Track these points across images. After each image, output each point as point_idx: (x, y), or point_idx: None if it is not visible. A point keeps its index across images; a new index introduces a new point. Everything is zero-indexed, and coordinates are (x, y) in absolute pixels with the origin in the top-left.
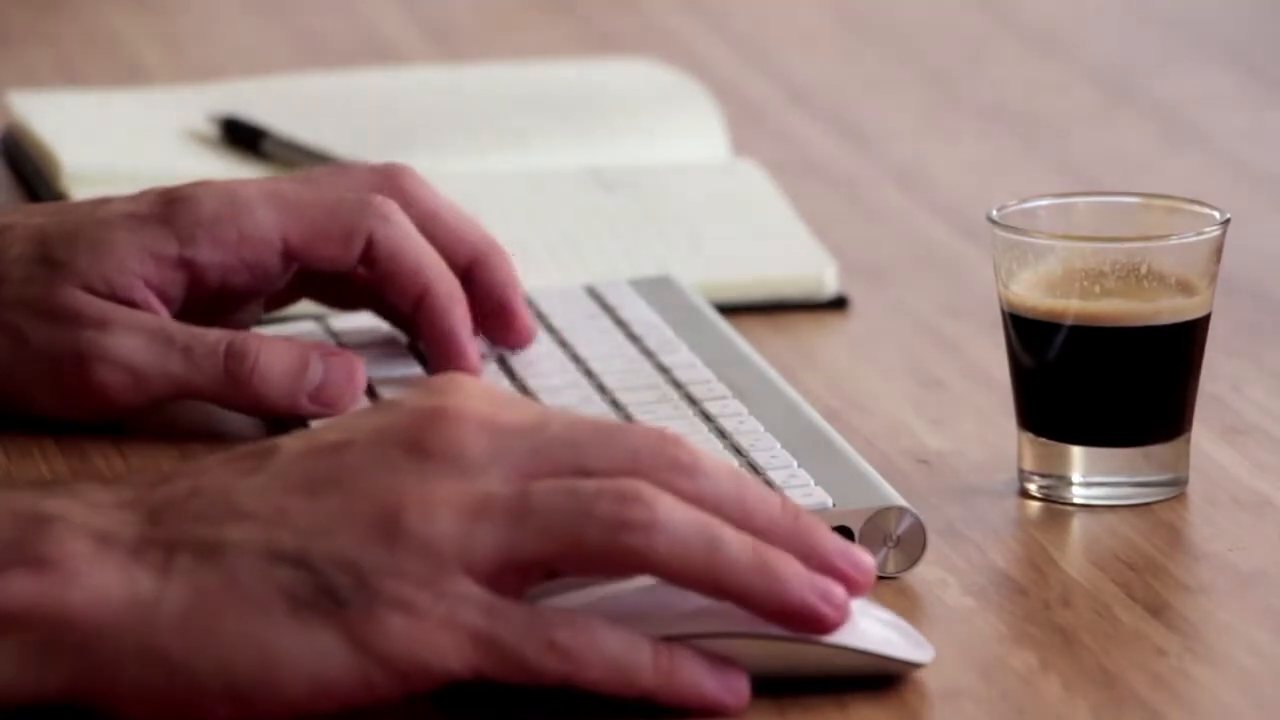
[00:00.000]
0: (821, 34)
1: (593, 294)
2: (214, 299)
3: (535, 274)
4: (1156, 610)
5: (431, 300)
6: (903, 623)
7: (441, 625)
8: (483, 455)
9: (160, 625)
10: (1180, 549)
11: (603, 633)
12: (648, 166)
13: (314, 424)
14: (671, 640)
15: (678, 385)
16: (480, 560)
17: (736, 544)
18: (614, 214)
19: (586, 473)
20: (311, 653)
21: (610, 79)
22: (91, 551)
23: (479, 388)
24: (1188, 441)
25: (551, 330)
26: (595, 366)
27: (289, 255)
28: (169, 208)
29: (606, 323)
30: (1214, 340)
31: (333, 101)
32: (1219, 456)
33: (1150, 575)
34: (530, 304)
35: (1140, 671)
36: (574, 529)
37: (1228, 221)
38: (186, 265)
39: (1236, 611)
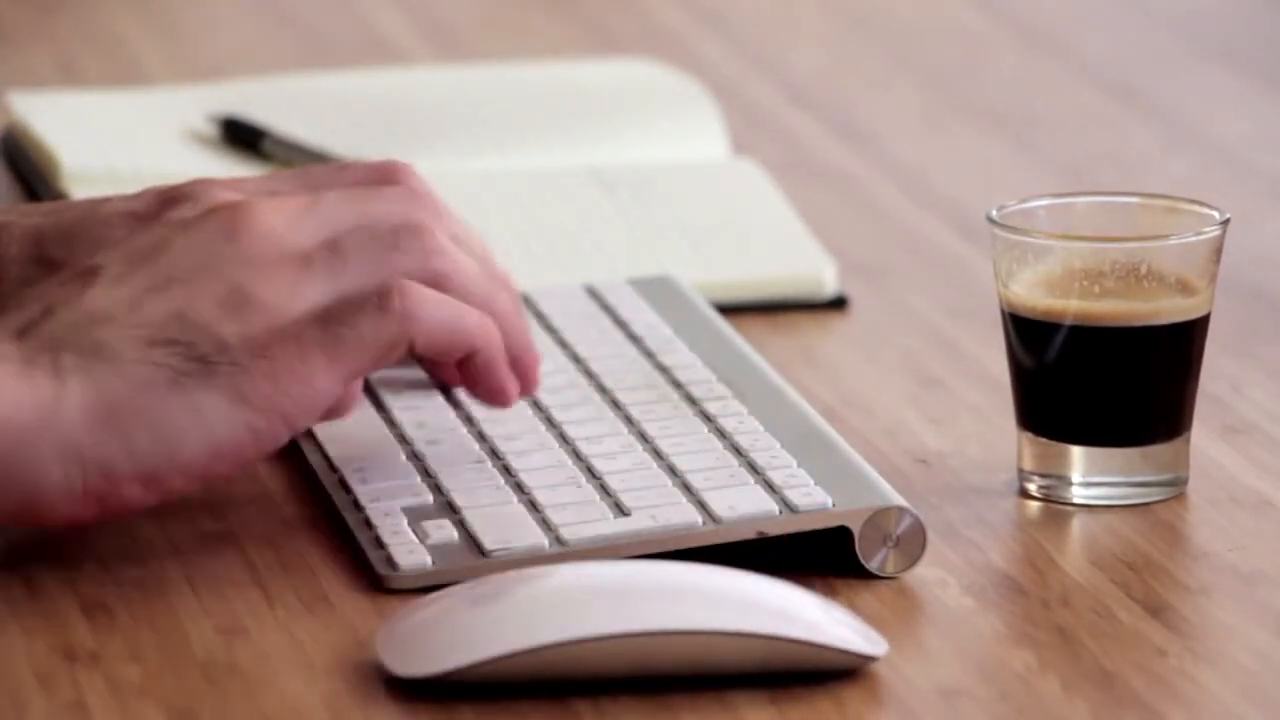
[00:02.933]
0: (822, 34)
1: (593, 294)
2: None
3: (535, 274)
4: (1156, 610)
5: (478, 360)
6: (856, 620)
7: (296, 356)
8: (284, 225)
9: (68, 419)
10: (1180, 549)
11: (429, 296)
12: (648, 166)
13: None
14: (655, 635)
15: (677, 385)
16: (315, 304)
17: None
18: (614, 214)
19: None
20: (199, 418)
21: (610, 79)
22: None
23: (243, 182)
24: (1187, 441)
25: (551, 330)
26: (595, 366)
27: None
28: (168, 207)
29: (606, 323)
30: (1214, 340)
31: (333, 101)
32: (1219, 456)
33: (1150, 575)
34: (530, 304)
35: (1140, 671)
36: (387, 260)
37: (1227, 221)
38: None
39: (1236, 611)
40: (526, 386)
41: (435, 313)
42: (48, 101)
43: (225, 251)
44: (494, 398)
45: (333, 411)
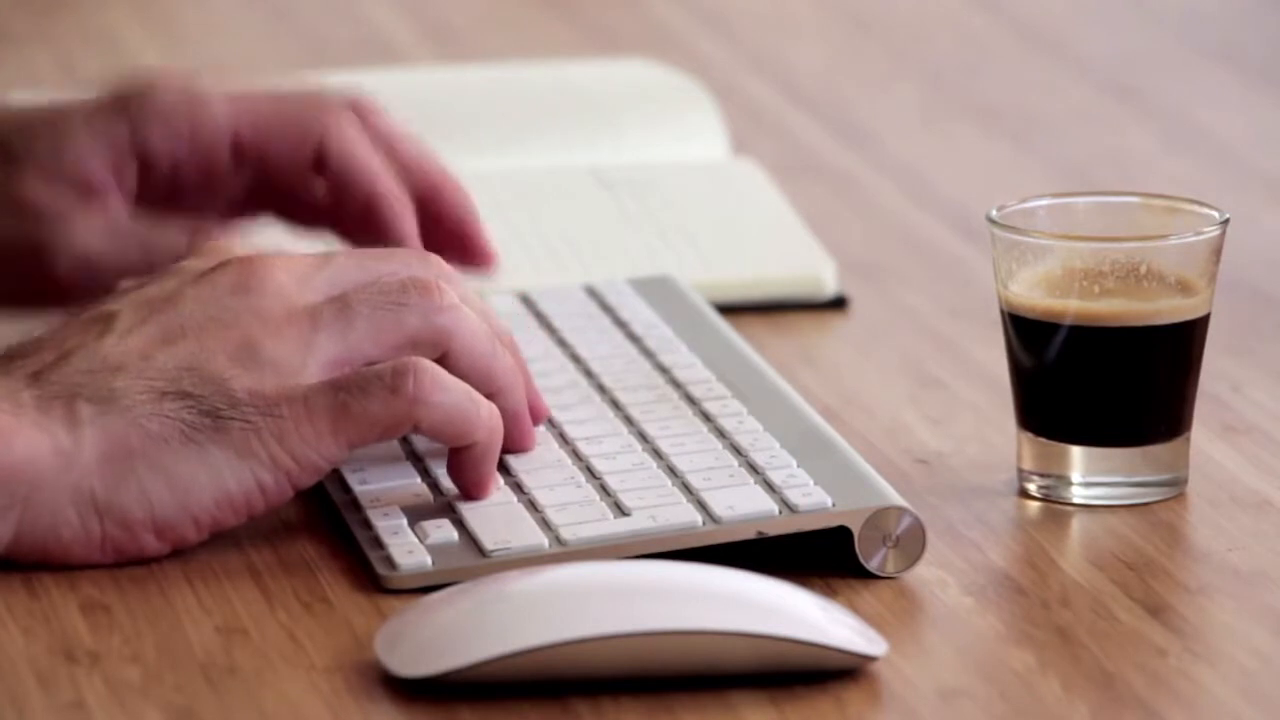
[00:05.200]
0: (821, 34)
1: (593, 294)
2: (167, 191)
3: (535, 274)
4: (1156, 610)
5: (381, 206)
6: (856, 620)
7: (304, 420)
8: (295, 282)
9: (84, 468)
10: (1180, 549)
11: (442, 379)
12: (648, 166)
13: (122, 285)
14: (655, 635)
15: (677, 385)
16: (325, 360)
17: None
18: (614, 213)
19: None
20: (210, 470)
21: (610, 79)
22: (9, 415)
23: (248, 244)
24: (1187, 441)
25: (551, 330)
26: (595, 366)
27: (240, 151)
28: (124, 99)
29: (606, 323)
30: (1214, 340)
31: None
32: (1219, 456)
33: (1150, 575)
34: (530, 304)
35: (1140, 671)
36: (394, 317)
37: (1227, 221)
38: (139, 152)
39: (1236, 611)
40: (526, 440)
41: (445, 399)
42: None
43: (236, 306)
44: (474, 490)
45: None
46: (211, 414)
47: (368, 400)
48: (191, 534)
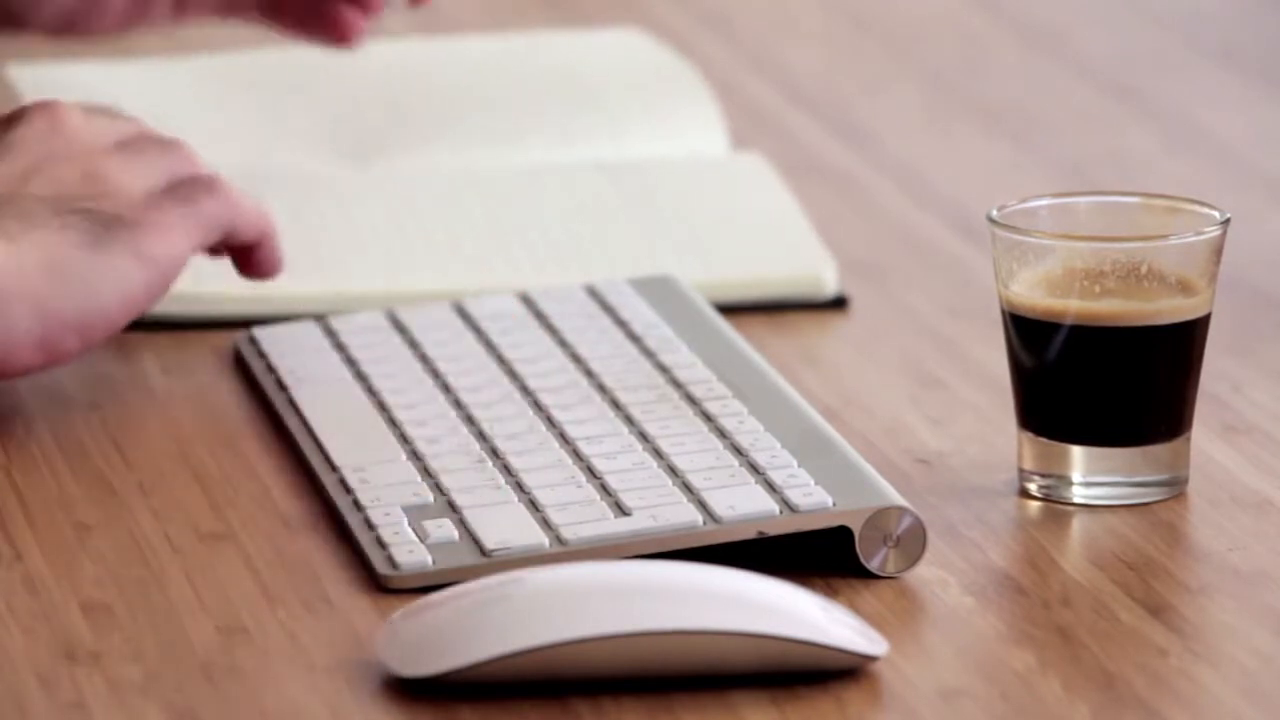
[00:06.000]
0: (822, 33)
1: (593, 294)
2: None
3: (535, 274)
4: (1156, 610)
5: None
6: (856, 620)
7: (167, 226)
8: (87, 122)
9: (30, 276)
10: (1180, 549)
11: (238, 195)
12: (650, 161)
13: None
14: (655, 635)
15: (678, 385)
16: (145, 183)
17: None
18: (616, 209)
19: None
20: (115, 273)
21: (598, 58)
22: None
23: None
24: (1188, 441)
25: (551, 330)
26: (595, 366)
27: None
28: None
29: (606, 323)
30: (1214, 340)
31: (328, 76)
32: (1219, 456)
33: (1150, 575)
34: (530, 304)
35: (1140, 672)
36: (170, 154)
37: (1228, 221)
38: None
39: (1236, 611)
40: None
41: (247, 200)
42: (46, 75)
43: (58, 142)
44: (278, 266)
45: (264, 269)
46: (104, 224)
47: (208, 201)
48: (101, 335)
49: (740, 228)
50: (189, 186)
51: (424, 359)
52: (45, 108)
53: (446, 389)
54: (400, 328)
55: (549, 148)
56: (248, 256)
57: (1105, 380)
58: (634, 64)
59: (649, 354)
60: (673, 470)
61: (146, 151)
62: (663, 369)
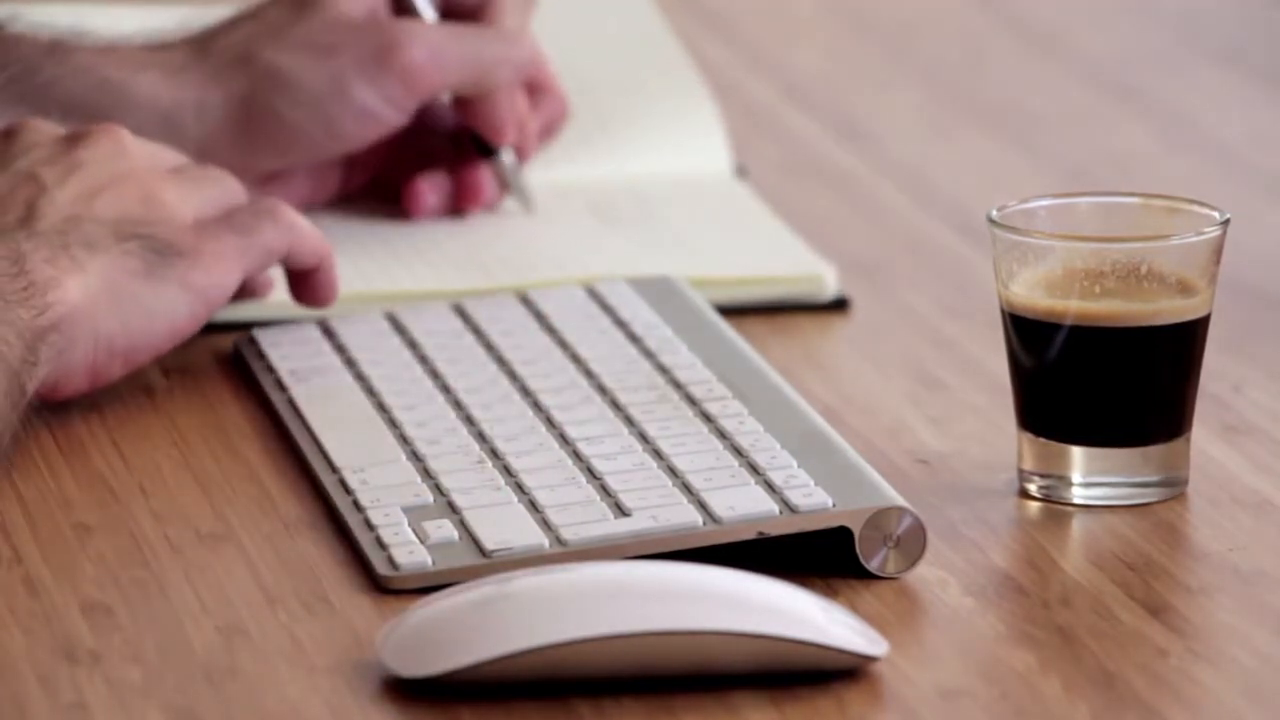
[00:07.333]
0: (822, 34)
1: (593, 294)
2: None
3: (535, 273)
4: (1156, 610)
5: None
6: (856, 620)
7: (219, 254)
8: (139, 145)
9: (95, 302)
10: (1180, 549)
11: (298, 221)
12: (647, 182)
13: None
14: (655, 635)
15: (678, 385)
16: (196, 208)
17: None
18: (614, 213)
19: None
20: (165, 302)
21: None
22: (47, 265)
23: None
24: (1188, 441)
25: (551, 330)
26: (595, 367)
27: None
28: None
29: (606, 323)
30: (1214, 340)
31: None
32: (1219, 456)
33: (1150, 575)
34: (530, 304)
35: (1140, 672)
36: (220, 181)
37: (1228, 221)
38: None
39: (1236, 611)
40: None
41: (304, 222)
42: (32, 13)
43: (122, 164)
44: (332, 293)
45: (319, 294)
46: (158, 252)
47: (263, 232)
48: (144, 360)
49: (739, 238)
50: (250, 215)
51: (424, 360)
52: (108, 130)
53: (446, 390)
54: (400, 328)
55: (548, 166)
56: (304, 280)
57: (1105, 381)
58: (634, 64)
59: (649, 354)
60: (673, 471)
61: (200, 179)
62: (663, 369)
